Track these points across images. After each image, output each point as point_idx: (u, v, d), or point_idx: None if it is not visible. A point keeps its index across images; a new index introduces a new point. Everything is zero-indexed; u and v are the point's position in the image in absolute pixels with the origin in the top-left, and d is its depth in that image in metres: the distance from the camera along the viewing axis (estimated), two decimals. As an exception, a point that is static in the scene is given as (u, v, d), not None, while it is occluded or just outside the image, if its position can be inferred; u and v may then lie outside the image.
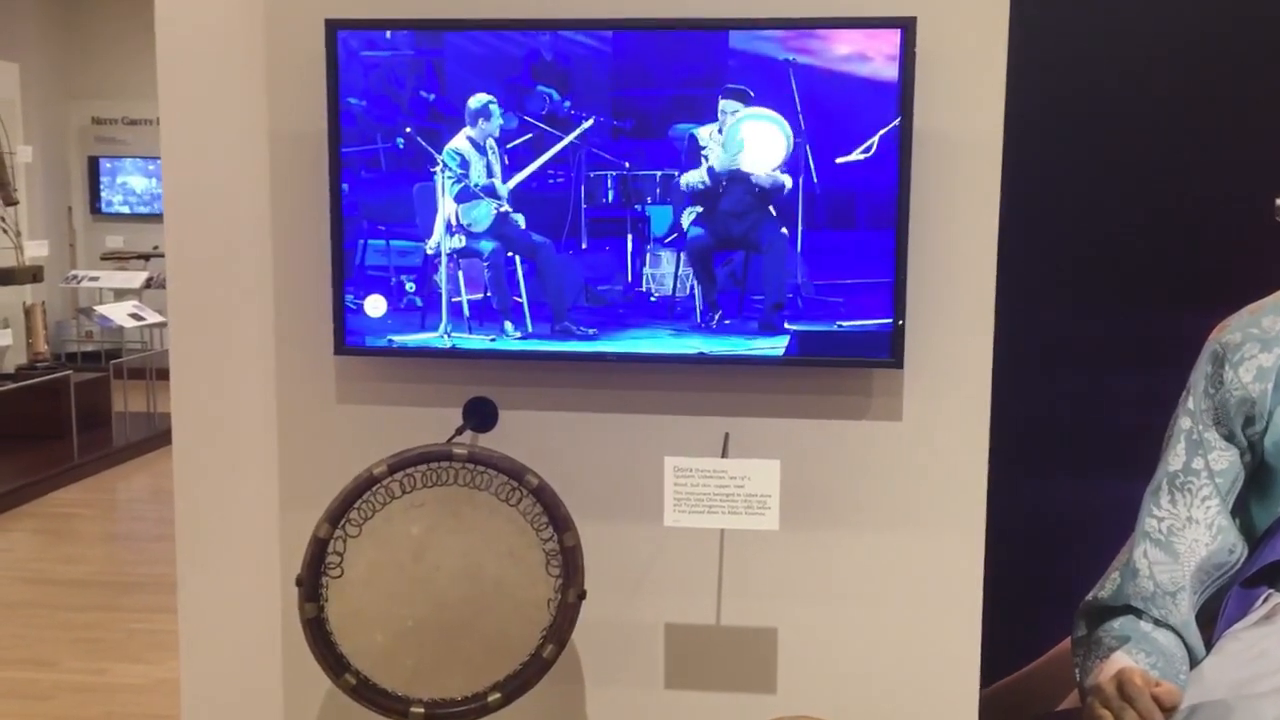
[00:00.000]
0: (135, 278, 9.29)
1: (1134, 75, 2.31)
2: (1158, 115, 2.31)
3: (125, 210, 10.73)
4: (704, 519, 2.16)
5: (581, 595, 2.17)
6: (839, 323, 2.30)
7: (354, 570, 2.17)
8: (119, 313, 8.24)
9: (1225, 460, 2.02)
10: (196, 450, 2.56)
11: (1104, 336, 2.36)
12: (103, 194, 10.72)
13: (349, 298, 2.39)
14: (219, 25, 2.45)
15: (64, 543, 6.23)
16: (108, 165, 10.66)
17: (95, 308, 8.62)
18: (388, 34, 2.31)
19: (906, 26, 2.19)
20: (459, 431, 2.39)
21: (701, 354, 2.33)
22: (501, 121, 2.30)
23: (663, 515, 2.26)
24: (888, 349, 2.28)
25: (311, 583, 2.13)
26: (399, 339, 2.40)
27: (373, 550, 2.17)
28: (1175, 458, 2.03)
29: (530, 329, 2.37)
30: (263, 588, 2.57)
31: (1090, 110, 2.32)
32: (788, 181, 2.26)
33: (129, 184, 10.63)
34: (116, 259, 10.27)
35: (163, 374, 8.16)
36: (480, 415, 2.45)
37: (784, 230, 2.28)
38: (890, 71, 2.20)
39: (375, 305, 2.39)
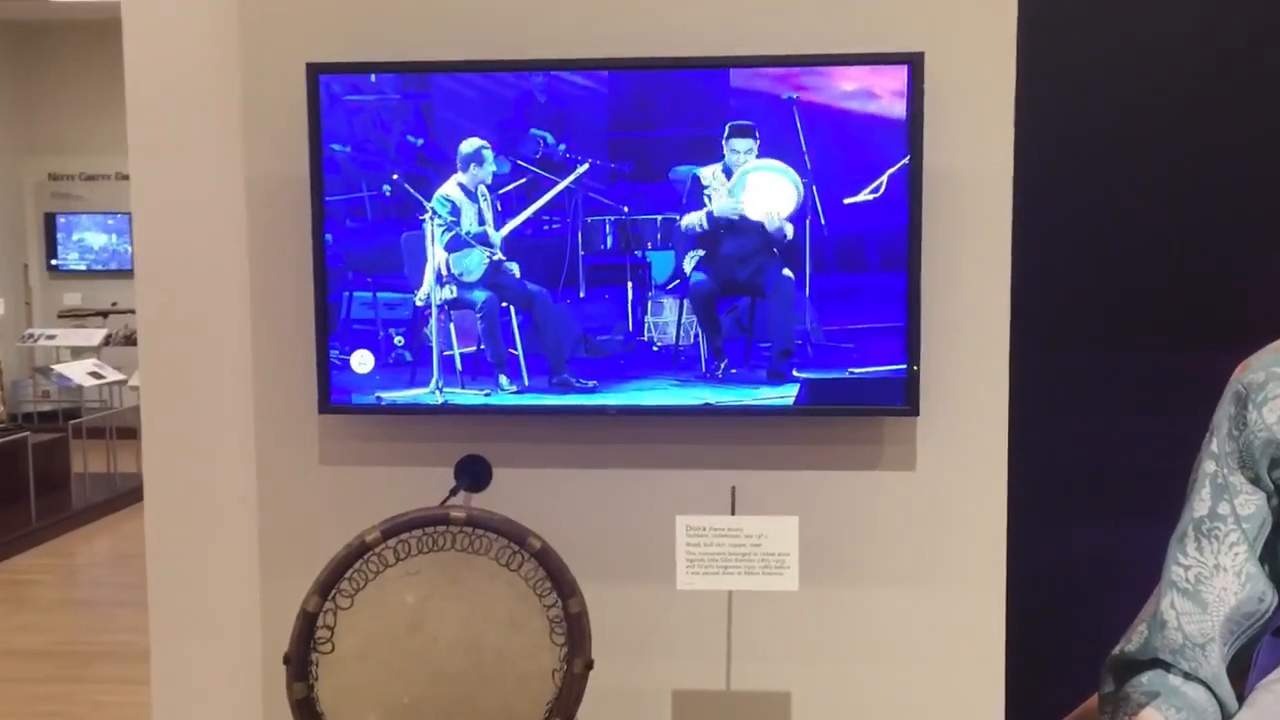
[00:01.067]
0: (94, 335, 9.06)
1: (1148, 108, 2.25)
2: (1173, 151, 2.25)
3: (82, 267, 10.52)
4: (719, 580, 2.04)
5: (589, 665, 2.04)
6: (850, 369, 2.20)
7: (346, 644, 2.02)
8: (78, 371, 8.02)
9: (1252, 504, 1.93)
10: (170, 516, 2.42)
11: (1123, 377, 2.28)
12: (59, 251, 10.51)
13: (334, 353, 2.27)
14: (192, 70, 2.34)
15: (22, 611, 5.97)
16: (63, 221, 10.46)
17: (53, 366, 8.39)
18: (372, 77, 2.20)
19: (914, 62, 2.12)
20: (453, 492, 2.26)
21: (707, 405, 2.22)
22: (494, 167, 2.20)
23: (668, 575, 2.14)
24: (902, 396, 2.19)
25: (300, 660, 1.99)
26: (387, 396, 2.28)
27: (366, 622, 2.03)
28: (1200, 503, 1.95)
29: (527, 382, 2.26)
30: (242, 662, 2.42)
31: (1103, 146, 2.26)
32: (789, 227, 2.17)
33: (85, 240, 10.43)
34: (74, 316, 10.04)
35: (124, 433, 7.95)
36: (473, 475, 2.33)
37: (790, 274, 2.19)
38: (898, 108, 2.13)
39: (362, 361, 2.27)
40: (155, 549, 2.43)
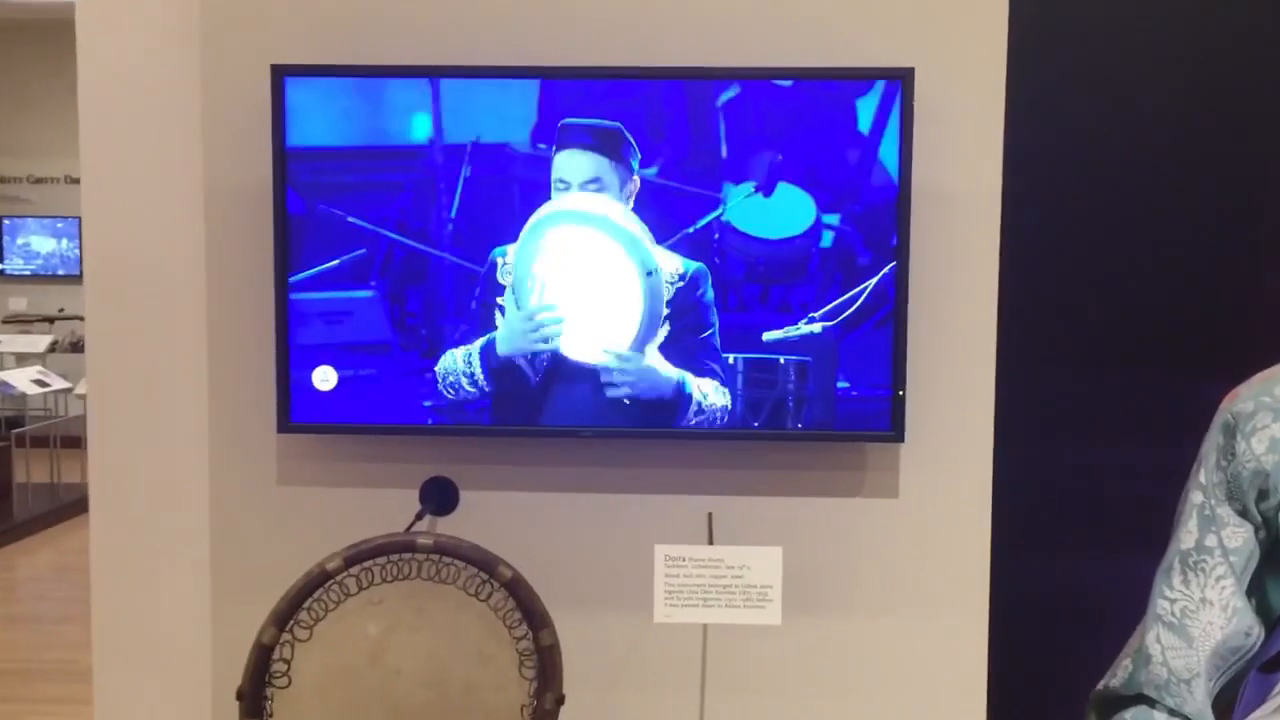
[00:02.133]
0: (39, 341, 8.83)
1: (1141, 125, 2.20)
2: (1167, 169, 2.19)
3: (28, 272, 10.26)
4: (699, 614, 1.95)
5: (560, 700, 1.95)
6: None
7: (303, 678, 1.91)
8: (21, 379, 7.79)
9: (1239, 537, 1.87)
10: (116, 539, 2.30)
11: (1112, 404, 2.22)
12: (4, 255, 10.25)
13: (294, 369, 2.16)
14: (149, 70, 2.23)
15: (-42, 628, 5.77)
16: (8, 224, 10.19)
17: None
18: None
19: (904, 78, 2.05)
20: (418, 516, 2.16)
21: (685, 427, 2.13)
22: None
23: (642, 604, 2.06)
24: (887, 420, 2.12)
25: (254, 696, 1.87)
26: (350, 414, 2.17)
27: (325, 655, 1.92)
28: (1187, 535, 1.89)
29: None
30: (192, 696, 2.30)
31: (1094, 164, 2.20)
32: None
33: (31, 245, 10.17)
34: (19, 322, 9.78)
35: (68, 442, 7.73)
36: (440, 497, 2.22)
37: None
38: (887, 125, 2.06)
39: (324, 377, 2.16)
40: (100, 574, 2.30)
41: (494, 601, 1.96)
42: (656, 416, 2.11)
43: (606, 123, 2.08)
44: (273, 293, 2.13)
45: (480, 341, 2.13)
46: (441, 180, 2.12)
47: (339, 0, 2.17)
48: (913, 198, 2.07)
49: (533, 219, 2.09)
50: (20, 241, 10.22)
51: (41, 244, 10.19)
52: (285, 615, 1.88)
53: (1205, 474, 1.90)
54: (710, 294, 2.10)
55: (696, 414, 2.11)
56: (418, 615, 1.96)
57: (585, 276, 2.09)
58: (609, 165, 2.08)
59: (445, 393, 2.14)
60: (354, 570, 1.92)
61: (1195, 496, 1.86)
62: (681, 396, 2.10)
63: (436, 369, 2.14)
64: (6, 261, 10.26)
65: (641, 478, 2.24)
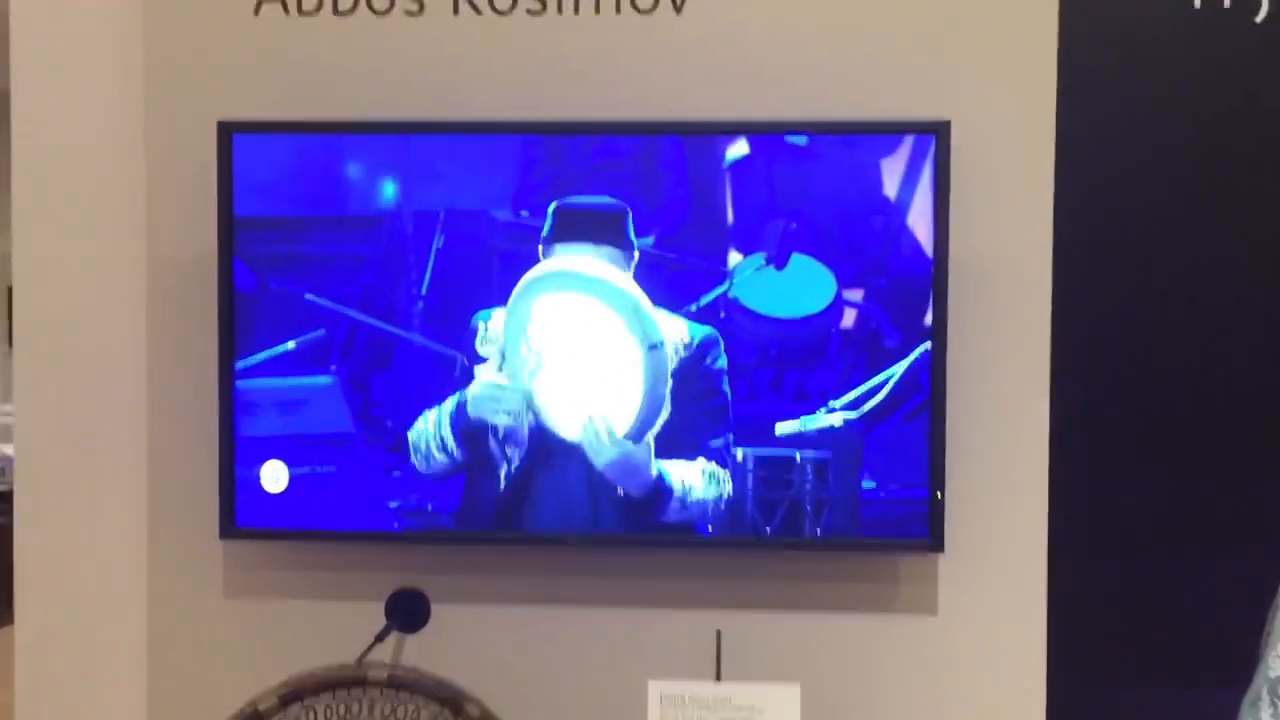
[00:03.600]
0: (51, 413, 8.69)
1: (1211, 191, 1.92)
2: (1243, 241, 1.92)
3: (45, 340, 10.24)
4: (701, 765, 1.66)
5: None
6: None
7: (231, 838, 1.63)
8: (26, 452, 7.64)
9: (1336, 663, 1.69)
10: (42, 657, 2.05)
11: (1184, 510, 1.94)
12: (19, 323, 10.22)
13: (240, 465, 1.90)
14: (88, 129, 2.02)
15: (-55, 717, 5.52)
16: (25, 293, 10.18)
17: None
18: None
19: (938, 133, 1.80)
20: (381, 634, 1.88)
21: (686, 534, 1.86)
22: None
23: (639, 741, 1.77)
24: (924, 527, 1.84)
25: None
26: (305, 518, 1.91)
27: (257, 810, 1.64)
28: (1276, 660, 1.76)
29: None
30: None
31: (1157, 235, 1.93)
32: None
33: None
34: (33, 393, 9.69)
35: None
36: (408, 612, 1.96)
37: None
38: (920, 188, 1.82)
39: (274, 474, 1.90)
40: (24, 700, 2.04)
41: (460, 745, 1.68)
42: (633, 512, 1.85)
43: (609, 203, 1.83)
44: (217, 381, 1.88)
45: (451, 402, 1.87)
46: (411, 252, 1.88)
47: (296, 52, 1.96)
48: (950, 270, 1.82)
49: (524, 280, 1.84)
50: (35, 311, 10.18)
51: (57, 313, 10.15)
52: (207, 766, 1.60)
53: (1297, 592, 1.69)
54: (722, 360, 1.83)
55: (678, 511, 1.84)
56: (369, 761, 1.67)
57: (580, 351, 1.84)
58: (616, 254, 1.83)
59: (416, 465, 1.88)
60: (294, 709, 1.64)
61: (1286, 616, 1.64)
62: (662, 489, 1.83)
63: (410, 435, 1.88)
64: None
65: (639, 589, 1.98)
